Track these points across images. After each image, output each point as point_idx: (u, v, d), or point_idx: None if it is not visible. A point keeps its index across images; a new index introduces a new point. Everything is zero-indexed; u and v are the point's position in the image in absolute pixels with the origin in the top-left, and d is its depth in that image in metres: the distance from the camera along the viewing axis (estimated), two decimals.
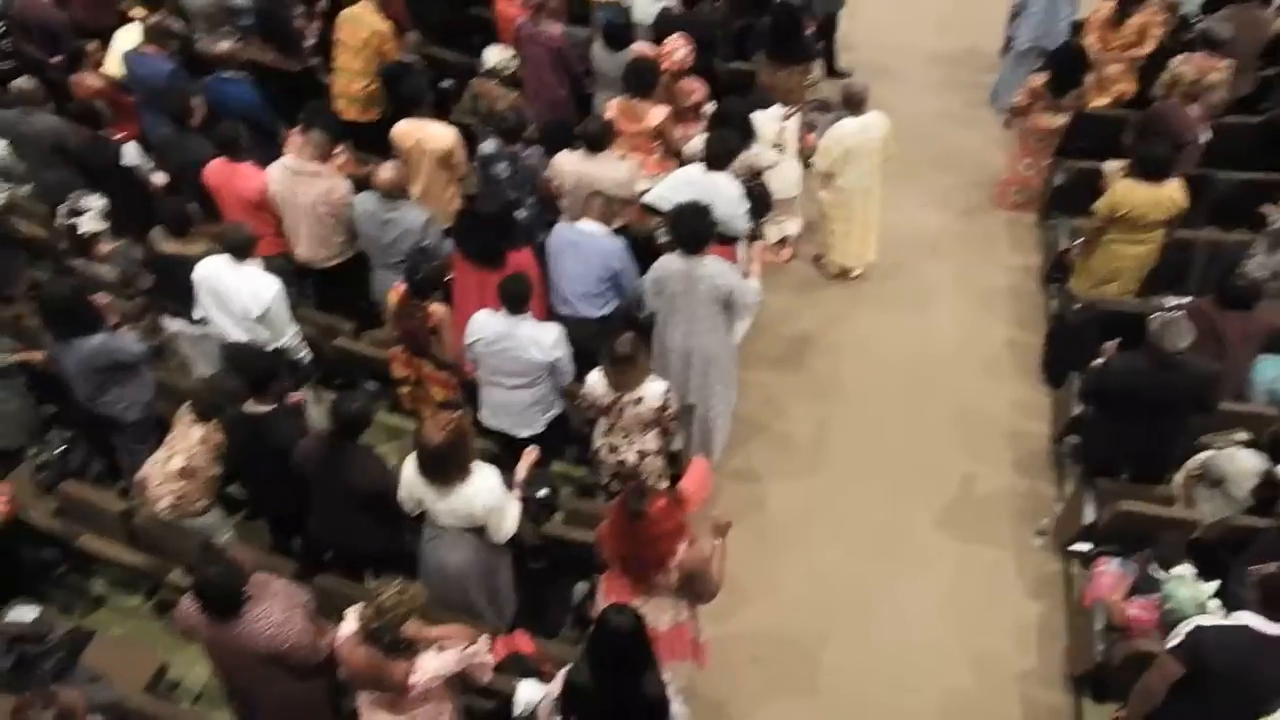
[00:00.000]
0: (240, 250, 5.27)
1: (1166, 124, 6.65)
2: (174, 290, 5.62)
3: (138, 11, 7.46)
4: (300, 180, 5.79)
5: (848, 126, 6.70)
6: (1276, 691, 3.84)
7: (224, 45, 6.74)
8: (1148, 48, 7.63)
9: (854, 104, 6.70)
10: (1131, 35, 7.59)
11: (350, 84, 7.15)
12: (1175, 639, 3.94)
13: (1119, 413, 5.13)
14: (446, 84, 7.86)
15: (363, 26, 6.96)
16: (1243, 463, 4.93)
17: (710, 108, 6.79)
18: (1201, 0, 8.09)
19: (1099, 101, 7.66)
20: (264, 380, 4.69)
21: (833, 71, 9.05)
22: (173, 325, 5.83)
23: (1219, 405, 5.16)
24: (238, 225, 5.44)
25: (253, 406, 4.69)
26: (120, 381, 5.10)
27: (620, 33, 6.98)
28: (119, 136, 6.41)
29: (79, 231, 5.64)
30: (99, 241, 5.70)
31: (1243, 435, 5.09)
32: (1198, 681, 3.87)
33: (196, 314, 5.50)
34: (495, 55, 6.91)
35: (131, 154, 6.22)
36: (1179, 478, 5.19)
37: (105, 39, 7.23)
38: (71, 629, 4.68)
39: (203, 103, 6.37)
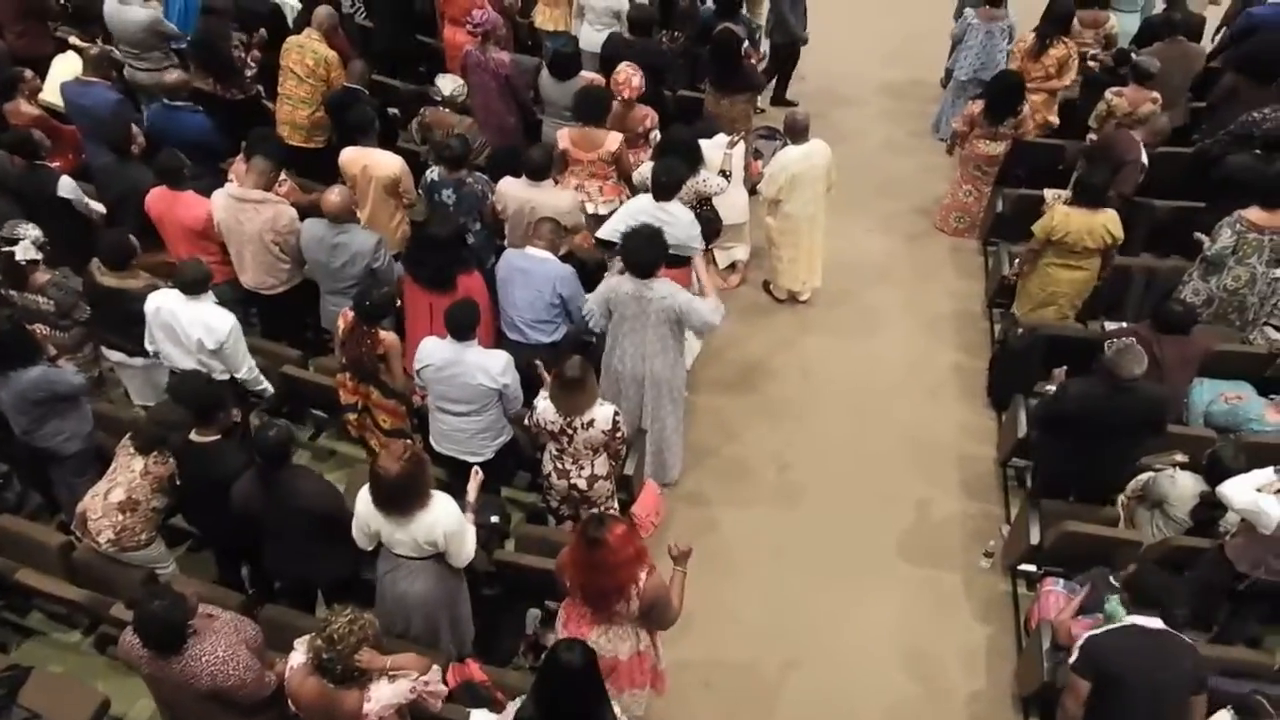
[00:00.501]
0: (194, 286, 5.18)
1: (1112, 149, 6.84)
2: (113, 323, 5.52)
3: (75, 39, 7.36)
4: (245, 208, 5.73)
5: (792, 154, 6.80)
6: (1186, 684, 3.93)
7: (173, 75, 6.66)
8: (1067, 79, 7.89)
9: (797, 133, 6.80)
10: (1052, 66, 7.82)
11: (295, 111, 7.11)
12: (1072, 656, 4.04)
13: (1072, 437, 5.19)
14: (393, 111, 7.85)
15: (309, 54, 6.93)
16: (1182, 484, 5.05)
17: (656, 135, 6.85)
18: (1133, 34, 8.37)
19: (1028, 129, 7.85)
20: (209, 409, 4.61)
21: (781, 100, 9.18)
22: (112, 357, 5.72)
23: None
24: (194, 262, 5.34)
25: (198, 436, 4.61)
26: (60, 413, 4.99)
27: (567, 62, 7.01)
28: (55, 166, 6.30)
29: (15, 260, 5.51)
30: (35, 271, 5.57)
31: (1181, 457, 5.22)
32: (1111, 692, 3.95)
33: (149, 347, 5.39)
34: (448, 84, 6.92)
35: (68, 185, 6.11)
36: (1121, 499, 5.30)
37: (42, 67, 7.11)
38: (9, 666, 4.54)
39: (140, 133, 6.28)
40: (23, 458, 5.26)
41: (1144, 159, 6.82)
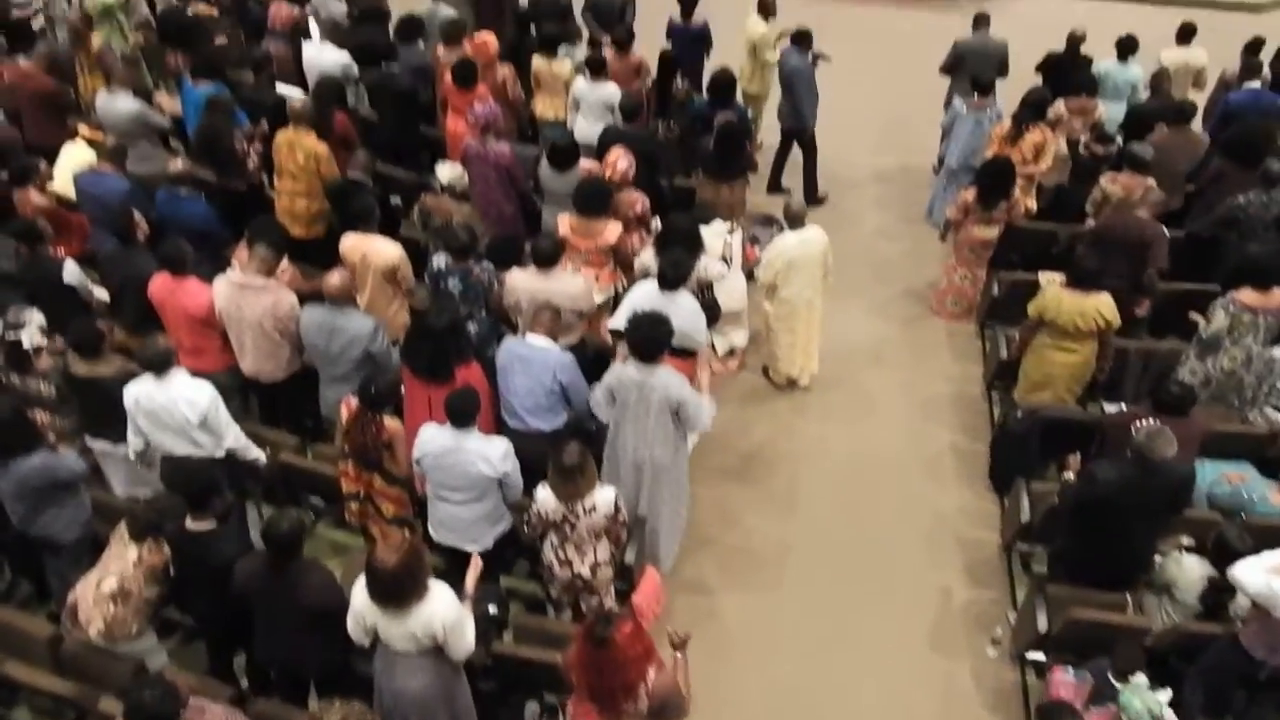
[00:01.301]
0: (159, 365, 5.15)
1: (1130, 231, 6.87)
2: (91, 412, 5.51)
3: (84, 129, 7.50)
4: (246, 295, 5.76)
5: (789, 240, 6.88)
6: None
7: (177, 164, 6.78)
8: (1044, 165, 8.03)
9: (794, 219, 6.89)
10: (1029, 151, 7.97)
11: (293, 204, 7.22)
12: None
13: (1099, 523, 5.08)
14: (395, 200, 7.95)
15: (299, 150, 7.05)
16: (1189, 568, 4.98)
17: (657, 223, 6.94)
18: (1120, 121, 8.54)
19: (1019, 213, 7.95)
20: (203, 495, 4.57)
21: (813, 198, 9.29)
22: (96, 446, 5.68)
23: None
24: (152, 341, 5.32)
25: (193, 524, 4.56)
26: (58, 501, 4.94)
27: (566, 152, 7.13)
28: (61, 253, 6.36)
29: (19, 345, 5.53)
30: (39, 356, 5.59)
31: (1187, 540, 5.16)
32: None
33: (133, 441, 5.35)
34: (447, 172, 7.03)
35: (72, 271, 6.16)
36: (1145, 588, 5.22)
37: (55, 156, 7.24)
38: None
39: (144, 221, 6.36)
40: (14, 545, 5.20)
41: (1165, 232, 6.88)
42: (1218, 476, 5.69)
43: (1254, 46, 8.78)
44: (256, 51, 8.48)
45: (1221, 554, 4.75)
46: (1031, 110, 8.00)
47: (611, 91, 8.18)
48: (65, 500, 4.97)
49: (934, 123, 9.47)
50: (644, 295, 5.93)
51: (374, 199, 6.63)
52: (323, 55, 8.52)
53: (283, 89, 8.10)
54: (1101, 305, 6.23)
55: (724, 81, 8.18)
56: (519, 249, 6.46)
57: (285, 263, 6.21)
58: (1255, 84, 8.51)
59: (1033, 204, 8.12)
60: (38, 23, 9.06)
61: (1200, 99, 9.06)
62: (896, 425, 7.22)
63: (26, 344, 5.47)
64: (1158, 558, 5.12)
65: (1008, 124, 8.08)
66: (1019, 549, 6.12)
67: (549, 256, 6.05)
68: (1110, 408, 6.48)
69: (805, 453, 6.99)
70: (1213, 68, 9.15)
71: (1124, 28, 9.09)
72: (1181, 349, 6.58)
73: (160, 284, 5.87)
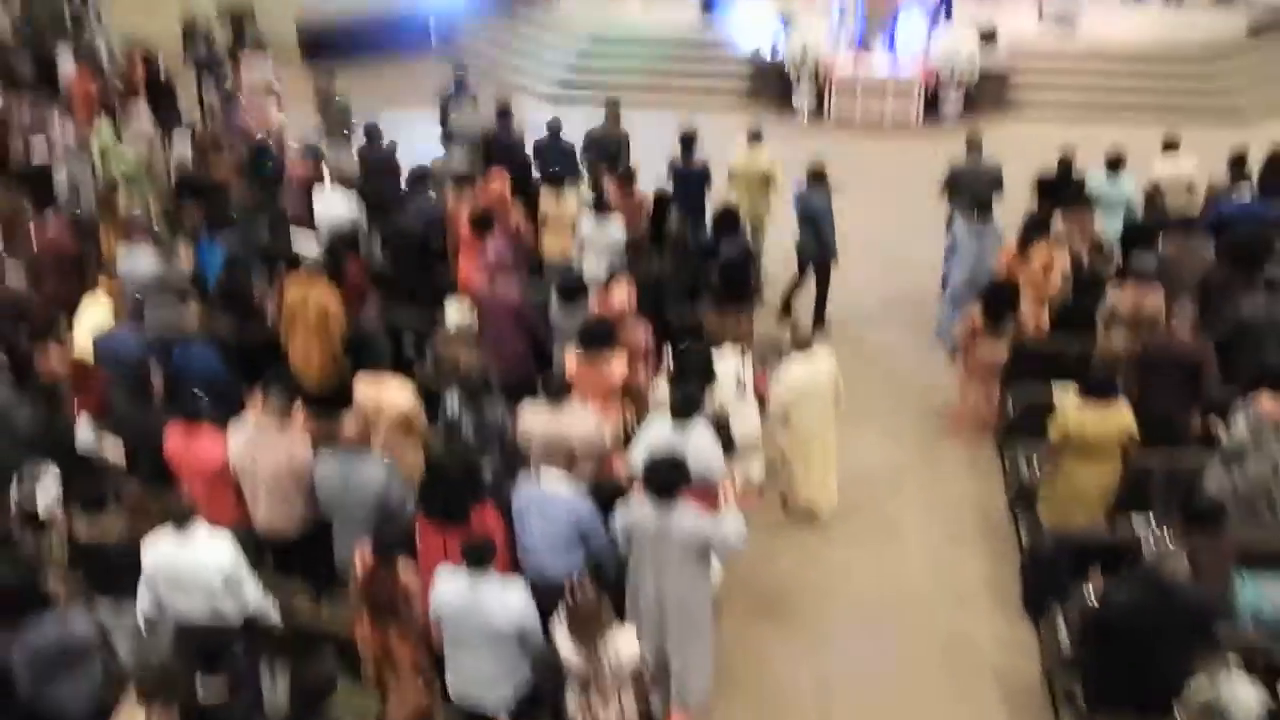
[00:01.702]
0: (182, 519, 5.10)
1: (1167, 354, 6.83)
2: (96, 576, 5.42)
3: (104, 286, 7.65)
4: (260, 445, 5.76)
5: (797, 368, 6.89)
6: None
7: (192, 315, 6.88)
8: (1055, 281, 8.06)
9: (801, 345, 6.92)
10: (1037, 269, 8.03)
11: (307, 353, 7.29)
12: None
13: (1120, 646, 4.97)
14: (409, 345, 8.03)
15: (312, 301, 7.16)
16: (1242, 696, 4.78)
17: (667, 355, 6.97)
18: (1119, 232, 8.65)
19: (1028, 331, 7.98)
20: (215, 659, 4.45)
21: (820, 320, 9.38)
22: (102, 610, 5.55)
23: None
24: (176, 498, 5.30)
25: (205, 693, 4.42)
26: (70, 669, 4.81)
27: (575, 290, 7.23)
28: (77, 411, 6.40)
29: (32, 507, 5.51)
30: (53, 514, 5.55)
31: (1236, 663, 4.97)
32: None
33: (146, 610, 5.24)
34: (456, 314, 7.10)
35: (86, 430, 6.18)
36: (1178, 713, 5.01)
37: (74, 311, 7.37)
38: None
39: (159, 376, 6.42)
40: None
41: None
42: (1262, 596, 5.50)
43: (1239, 158, 8.95)
44: (271, 206, 8.71)
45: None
46: (1036, 229, 8.11)
47: (618, 229, 8.34)
48: (77, 668, 4.84)
49: (934, 244, 9.60)
50: (658, 432, 5.90)
51: (386, 345, 6.71)
52: (334, 207, 8.74)
53: (297, 241, 8.29)
54: (1124, 417, 6.17)
55: (729, 215, 8.35)
56: (531, 387, 6.47)
57: (299, 412, 6.23)
58: (1244, 193, 8.64)
59: (1046, 320, 8.15)
60: (60, 175, 9.35)
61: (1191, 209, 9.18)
62: (923, 551, 7.08)
63: (40, 502, 5.44)
64: (1201, 678, 4.92)
65: (1014, 244, 8.17)
66: (1059, 677, 5.90)
67: (559, 391, 6.06)
68: (1139, 525, 6.34)
69: (832, 584, 6.84)
70: (1198, 179, 9.30)
71: (1110, 144, 9.29)
72: (1205, 460, 6.49)
73: (175, 438, 5.87)
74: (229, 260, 7.57)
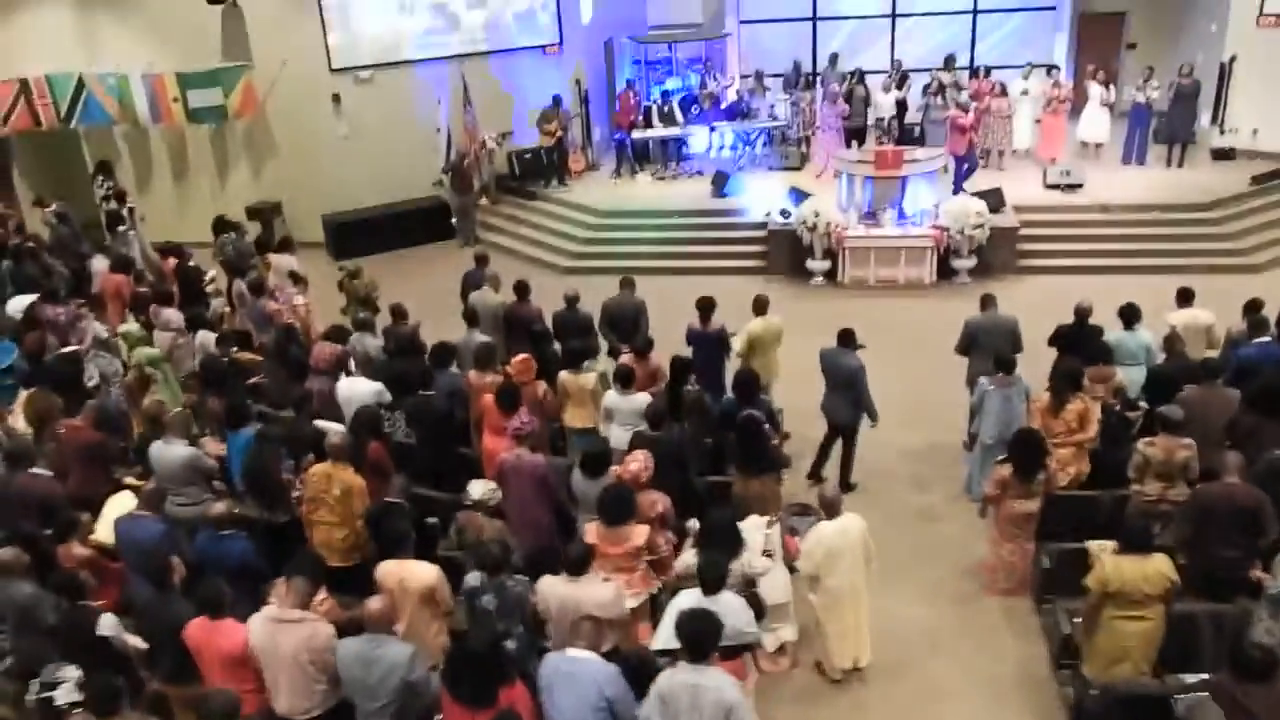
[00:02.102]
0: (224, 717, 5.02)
1: (1224, 503, 6.73)
2: None
3: (130, 479, 7.74)
4: (282, 629, 5.69)
5: (827, 529, 6.82)
6: None
7: (219, 506, 6.92)
8: (1091, 431, 8.03)
9: (830, 507, 6.87)
10: (1073, 421, 8.01)
11: (330, 535, 7.29)
12: None
13: None
14: (433, 521, 8.01)
15: (336, 482, 7.20)
16: None
17: (695, 524, 6.92)
18: (1143, 382, 8.65)
19: (1058, 484, 7.88)
20: None
21: (815, 476, 9.34)
22: None
23: None
24: (221, 692, 5.21)
25: None
26: None
27: (598, 460, 7.25)
28: (100, 603, 6.37)
29: (54, 704, 5.42)
30: (74, 714, 5.45)
31: None
32: None
33: None
34: (479, 489, 7.12)
35: (109, 622, 6.14)
36: None
37: (99, 507, 7.42)
38: None
39: (181, 563, 6.41)
40: None
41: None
42: None
43: (1255, 305, 9.03)
44: (296, 391, 8.88)
45: None
46: (1066, 380, 8.14)
47: (642, 400, 8.43)
48: None
49: (953, 401, 9.61)
50: (687, 604, 5.80)
51: (409, 522, 6.69)
52: (356, 388, 8.91)
53: (322, 424, 8.41)
54: (1163, 565, 6.06)
55: (746, 379, 8.43)
56: (555, 559, 6.42)
57: (323, 594, 6.18)
58: (1264, 338, 8.67)
59: (1086, 467, 8.06)
60: (91, 376, 9.60)
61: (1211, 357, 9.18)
62: (965, 713, 6.80)
63: (61, 701, 5.36)
64: None
65: (1047, 398, 8.17)
66: None
67: (578, 563, 6.01)
68: (1190, 679, 6.10)
69: None
70: (1216, 326, 9.36)
71: (1124, 297, 9.42)
72: (1251, 609, 6.28)
73: (197, 628, 5.82)
74: (255, 447, 7.68)
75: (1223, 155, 16.57)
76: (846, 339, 9.11)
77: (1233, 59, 16.57)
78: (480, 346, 9.33)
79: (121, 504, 7.33)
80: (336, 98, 16.86)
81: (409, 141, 17.13)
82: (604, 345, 10.36)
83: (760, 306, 9.87)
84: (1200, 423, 7.50)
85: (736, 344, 9.71)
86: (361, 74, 16.92)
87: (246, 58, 16.38)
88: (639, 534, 6.58)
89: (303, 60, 16.43)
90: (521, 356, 8.97)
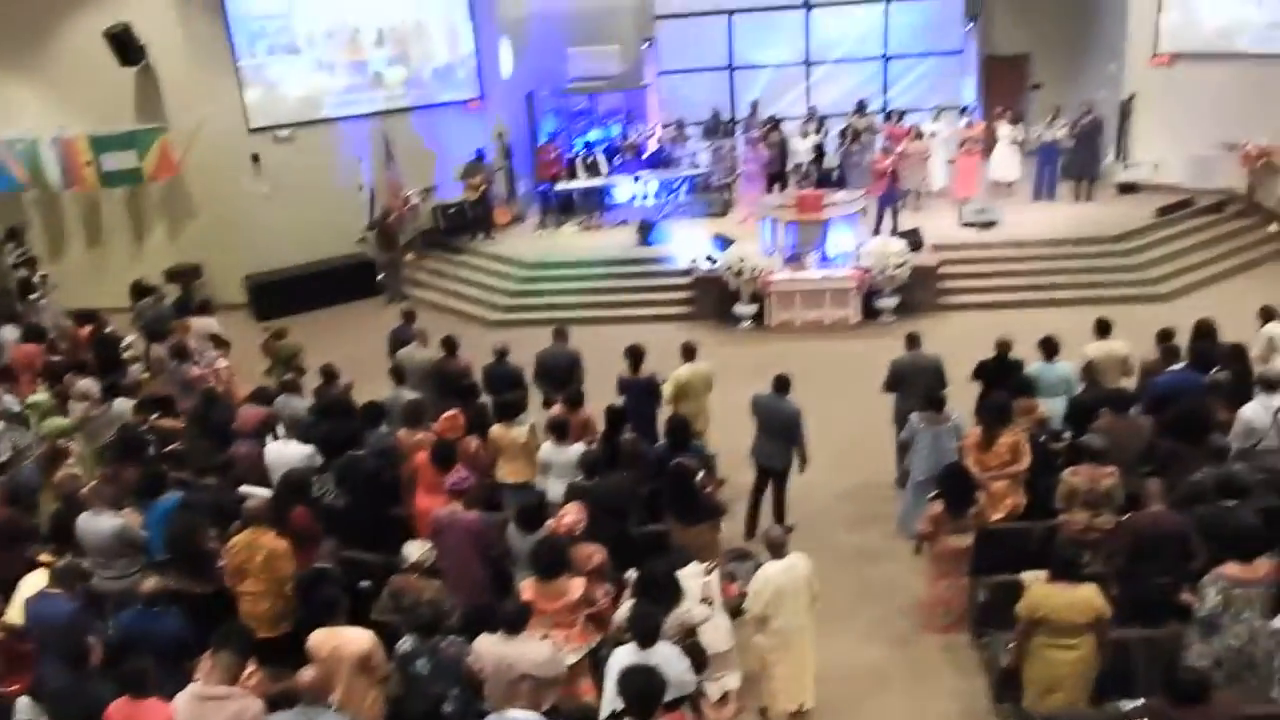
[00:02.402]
0: None
1: (1152, 531, 6.85)
2: None
3: (45, 557, 7.43)
4: (209, 707, 5.48)
5: (774, 568, 6.82)
6: None
7: (151, 582, 6.68)
8: (1024, 463, 8.15)
9: (776, 547, 6.88)
10: (1006, 454, 8.13)
11: (256, 605, 7.08)
12: None
13: None
14: (365, 584, 7.82)
15: (259, 550, 7.02)
16: None
17: (633, 574, 6.86)
18: (1064, 413, 8.84)
19: (995, 517, 8.00)
20: None
21: (752, 533, 9.31)
22: None
23: None
24: None
25: None
26: None
27: (533, 514, 7.17)
28: (12, 689, 6.07)
29: None
30: None
31: None
32: None
33: None
34: (415, 550, 6.98)
35: (24, 708, 5.85)
36: None
37: (12, 590, 7.10)
38: None
39: (99, 643, 6.15)
40: None
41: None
42: None
43: (1166, 334, 9.31)
44: (219, 457, 8.66)
45: None
46: (996, 414, 8.26)
47: (577, 450, 8.39)
48: None
49: (884, 439, 9.71)
50: (622, 662, 5.74)
51: (340, 587, 6.53)
52: (285, 451, 8.71)
53: (250, 490, 8.20)
54: (1090, 595, 6.15)
55: (679, 426, 8.44)
56: (493, 616, 6.31)
57: (251, 666, 5.98)
58: (1177, 366, 8.94)
59: (1023, 499, 8.17)
60: (2, 451, 9.25)
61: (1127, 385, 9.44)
62: None
63: None
64: None
65: (977, 432, 8.29)
66: None
67: (514, 622, 5.94)
68: (1127, 705, 6.18)
69: None
70: (1132, 356, 9.62)
71: (1043, 329, 9.66)
72: (1182, 632, 6.40)
73: (118, 710, 5.55)
74: (178, 516, 7.44)
75: (1128, 189, 17.24)
76: (782, 385, 9.15)
77: (1132, 97, 17.29)
78: (409, 404, 9.22)
79: (34, 583, 7.03)
80: (256, 157, 16.67)
81: (332, 199, 17.00)
82: (537, 397, 10.29)
83: (688, 353, 9.92)
84: (1116, 452, 7.67)
85: (666, 390, 9.73)
86: (281, 133, 16.77)
87: (162, 119, 16.15)
88: (576, 587, 6.50)
89: (220, 120, 16.24)
90: (449, 413, 8.87)
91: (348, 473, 8.46)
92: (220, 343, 11.63)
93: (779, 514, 9.39)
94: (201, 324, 12.36)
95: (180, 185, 16.65)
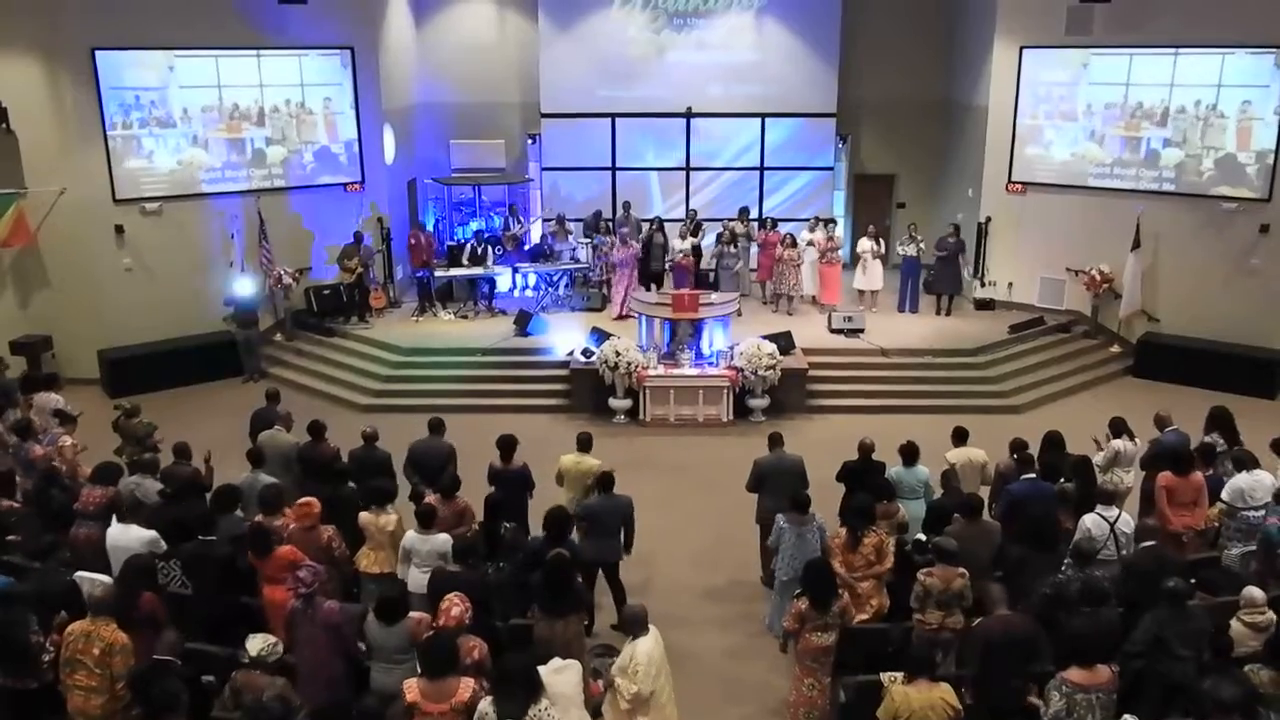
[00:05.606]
0: None
1: (1002, 635, 6.95)
2: None
3: None
4: None
5: (646, 643, 6.85)
6: None
7: None
8: (888, 563, 8.36)
9: (638, 625, 6.89)
10: (870, 554, 8.31)
11: (87, 701, 6.59)
12: None
13: None
14: (209, 679, 7.37)
15: (97, 642, 6.59)
16: None
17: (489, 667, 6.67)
18: (922, 518, 9.10)
19: (861, 618, 8.11)
20: None
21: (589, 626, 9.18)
22: None
23: None
24: None
25: None
26: None
27: (394, 605, 6.92)
28: None
29: None
30: None
31: None
32: None
33: None
34: (257, 644, 6.65)
35: None
36: None
37: None
38: None
39: None
40: None
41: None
42: None
43: (1019, 444, 9.74)
44: (46, 539, 8.12)
45: None
46: (859, 515, 8.44)
47: (443, 540, 8.21)
48: None
49: (749, 538, 9.76)
50: None
51: (181, 682, 6.14)
52: (127, 534, 8.22)
53: (86, 575, 7.68)
54: (946, 694, 6.27)
55: (557, 518, 8.34)
56: (347, 715, 6.01)
57: None
58: (1030, 474, 9.34)
59: (886, 600, 8.32)
60: None
61: (983, 492, 9.82)
62: None
63: None
64: None
65: (843, 533, 8.43)
66: None
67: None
68: None
69: None
70: (989, 463, 10.03)
71: (905, 434, 9.97)
72: None
73: None
74: (3, 599, 6.90)
75: (984, 305, 18.25)
76: (607, 483, 9.22)
77: (988, 220, 18.38)
78: (266, 489, 8.87)
79: None
80: (120, 228, 16.08)
81: (199, 275, 16.53)
82: (405, 487, 10.01)
83: (582, 444, 9.89)
84: (967, 555, 7.92)
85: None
86: (149, 205, 16.27)
87: (20, 185, 15.46)
88: (465, 687, 6.21)
89: (84, 189, 15.62)
90: (303, 500, 8.53)
91: (196, 560, 8.04)
92: (66, 418, 11.00)
93: (621, 599, 9.28)
94: (45, 399, 11.71)
95: (34, 253, 15.89)
